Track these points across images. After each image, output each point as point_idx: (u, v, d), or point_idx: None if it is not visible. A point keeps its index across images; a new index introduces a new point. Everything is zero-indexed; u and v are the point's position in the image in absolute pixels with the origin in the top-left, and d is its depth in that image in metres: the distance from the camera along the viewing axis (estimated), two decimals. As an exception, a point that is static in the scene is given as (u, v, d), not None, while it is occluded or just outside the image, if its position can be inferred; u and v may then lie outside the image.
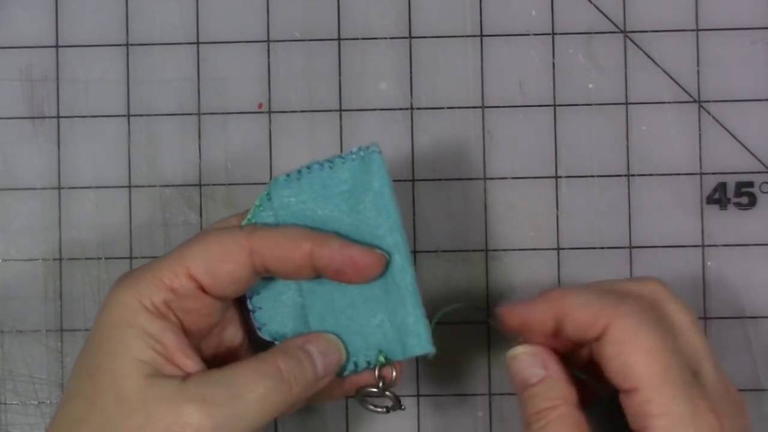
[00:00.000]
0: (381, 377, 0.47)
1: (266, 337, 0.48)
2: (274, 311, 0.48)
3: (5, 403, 0.56)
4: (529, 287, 0.56)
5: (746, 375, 0.56)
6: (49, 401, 0.56)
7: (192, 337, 0.46)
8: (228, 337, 0.49)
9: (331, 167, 0.47)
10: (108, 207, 0.57)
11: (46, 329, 0.56)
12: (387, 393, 0.48)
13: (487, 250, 0.56)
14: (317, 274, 0.46)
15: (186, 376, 0.44)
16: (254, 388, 0.44)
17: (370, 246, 0.46)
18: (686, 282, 0.56)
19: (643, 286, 0.46)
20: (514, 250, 0.56)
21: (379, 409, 0.48)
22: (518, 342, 0.47)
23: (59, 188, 0.57)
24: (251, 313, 0.48)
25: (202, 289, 0.45)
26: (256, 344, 0.49)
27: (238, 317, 0.49)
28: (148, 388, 0.43)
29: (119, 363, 0.44)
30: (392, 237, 0.46)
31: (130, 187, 0.57)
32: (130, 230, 0.56)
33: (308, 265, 0.45)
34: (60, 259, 0.56)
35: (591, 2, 0.57)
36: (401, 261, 0.46)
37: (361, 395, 0.48)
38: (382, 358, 0.47)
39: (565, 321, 0.45)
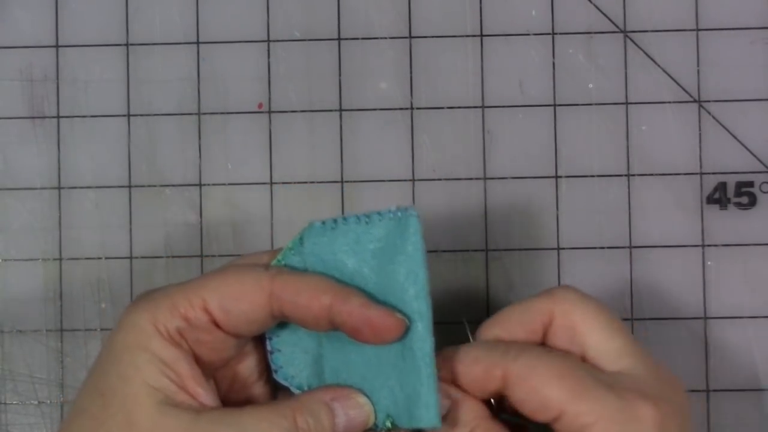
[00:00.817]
0: None
1: (281, 381, 0.47)
2: (293, 356, 0.47)
3: (5, 403, 0.56)
4: (529, 287, 0.56)
5: (746, 375, 0.56)
6: (49, 401, 0.56)
7: (204, 368, 0.45)
8: (244, 372, 0.48)
9: (367, 222, 0.46)
10: (108, 207, 0.57)
11: (46, 329, 0.56)
12: None
13: (487, 250, 0.56)
14: (334, 327, 0.45)
15: (199, 408, 0.43)
16: None
17: (392, 309, 0.45)
18: (686, 282, 0.56)
19: (552, 301, 0.46)
20: (514, 250, 0.56)
21: None
22: None
23: (59, 188, 0.57)
24: (269, 353, 0.47)
25: (216, 323, 0.44)
26: (275, 381, 0.48)
27: (256, 353, 0.48)
28: (159, 417, 0.42)
29: (131, 387, 0.43)
30: (417, 303, 0.45)
31: (130, 187, 0.57)
32: (130, 230, 0.56)
33: (326, 318, 0.44)
34: (60, 259, 0.56)
35: (591, 2, 0.57)
36: (423, 330, 0.45)
37: None
38: (389, 423, 0.46)
39: (461, 381, 0.45)
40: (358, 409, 0.45)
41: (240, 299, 0.44)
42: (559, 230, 0.56)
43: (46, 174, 0.57)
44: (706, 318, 0.56)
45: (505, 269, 0.56)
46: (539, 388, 0.43)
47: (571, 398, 0.43)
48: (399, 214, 0.46)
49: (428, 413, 0.45)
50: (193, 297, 0.44)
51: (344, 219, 0.46)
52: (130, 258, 0.56)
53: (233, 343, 0.45)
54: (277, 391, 0.49)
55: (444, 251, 0.56)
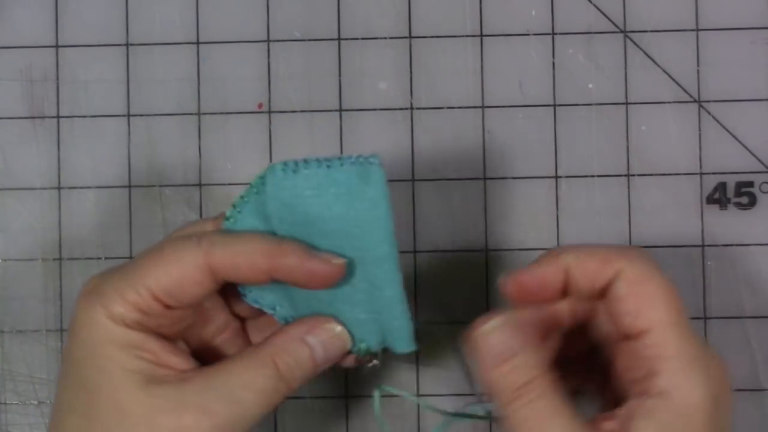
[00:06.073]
0: (369, 359, 0.47)
1: (251, 304, 0.48)
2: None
3: (5, 403, 0.56)
4: (529, 287, 0.56)
5: (746, 375, 0.56)
6: (48, 401, 0.56)
7: (171, 339, 0.45)
8: (210, 327, 0.48)
9: (328, 166, 0.46)
10: (108, 207, 0.57)
11: (46, 329, 0.56)
12: (375, 361, 0.48)
13: (487, 250, 0.56)
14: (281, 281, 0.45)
15: (181, 377, 0.44)
16: (252, 389, 0.44)
17: (330, 254, 0.45)
18: (686, 282, 0.56)
19: (624, 259, 0.45)
20: (514, 250, 0.56)
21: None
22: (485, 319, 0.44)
23: (59, 188, 0.57)
24: None
25: (169, 306, 0.45)
26: (242, 319, 0.49)
27: (219, 302, 0.48)
28: (147, 397, 0.43)
29: (112, 377, 0.44)
30: (384, 248, 0.45)
31: (130, 187, 0.57)
32: (130, 230, 0.56)
33: (267, 277, 0.45)
34: (60, 259, 0.56)
35: (591, 2, 0.57)
36: (390, 271, 0.45)
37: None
38: (363, 346, 0.47)
39: (574, 272, 0.44)
40: (333, 336, 0.46)
41: (182, 282, 0.44)
42: (559, 230, 0.56)
43: (46, 174, 0.57)
44: (706, 318, 0.56)
45: (505, 269, 0.56)
46: (643, 296, 0.43)
47: (666, 322, 0.43)
48: (361, 160, 0.46)
49: (403, 341, 0.46)
50: (139, 287, 0.44)
51: (306, 162, 0.46)
52: (130, 258, 0.56)
53: (190, 312, 0.46)
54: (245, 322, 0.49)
55: (444, 251, 0.56)
